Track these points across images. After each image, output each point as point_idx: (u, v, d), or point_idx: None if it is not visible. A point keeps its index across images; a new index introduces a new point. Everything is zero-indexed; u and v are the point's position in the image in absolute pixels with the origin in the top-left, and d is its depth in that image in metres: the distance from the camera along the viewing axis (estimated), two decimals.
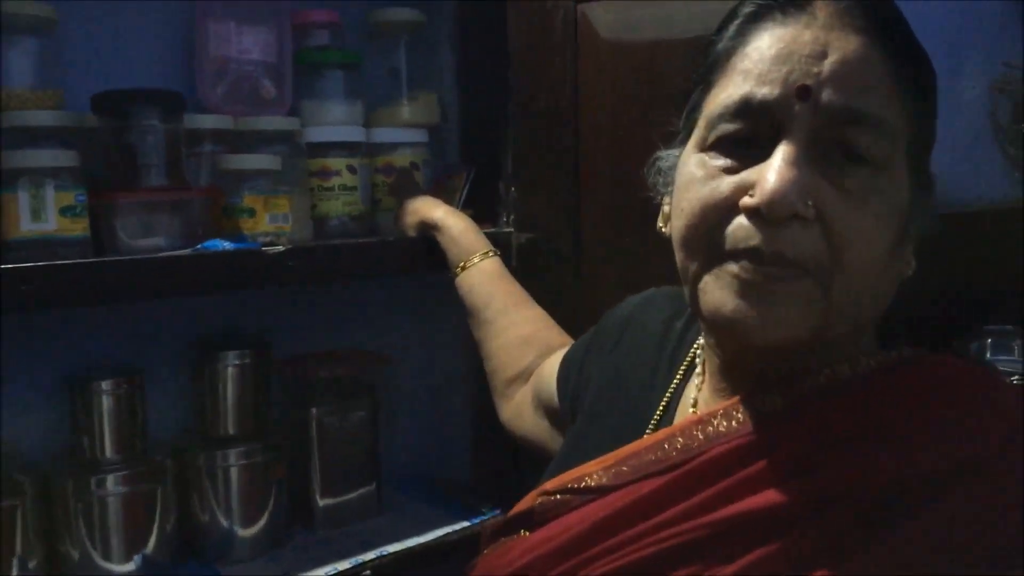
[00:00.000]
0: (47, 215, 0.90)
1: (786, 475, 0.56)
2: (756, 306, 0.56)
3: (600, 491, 0.63)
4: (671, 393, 0.71)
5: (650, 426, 0.70)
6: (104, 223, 0.97)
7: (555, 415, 0.91)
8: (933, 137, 0.62)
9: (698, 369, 0.71)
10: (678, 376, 0.72)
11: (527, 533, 0.67)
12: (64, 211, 0.91)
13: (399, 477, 1.37)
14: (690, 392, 0.71)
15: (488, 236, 1.10)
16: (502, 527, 0.70)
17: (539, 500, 0.67)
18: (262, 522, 1.13)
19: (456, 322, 1.34)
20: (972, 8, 1.25)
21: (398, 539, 1.15)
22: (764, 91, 0.57)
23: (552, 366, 0.93)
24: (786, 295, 0.55)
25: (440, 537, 1.17)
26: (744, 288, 0.56)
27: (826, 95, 0.56)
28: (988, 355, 1.24)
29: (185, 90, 1.06)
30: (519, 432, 1.00)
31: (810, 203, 0.55)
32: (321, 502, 1.20)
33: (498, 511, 1.23)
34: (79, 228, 0.92)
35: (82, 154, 0.95)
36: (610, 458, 0.65)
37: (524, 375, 1.00)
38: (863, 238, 0.56)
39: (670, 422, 0.70)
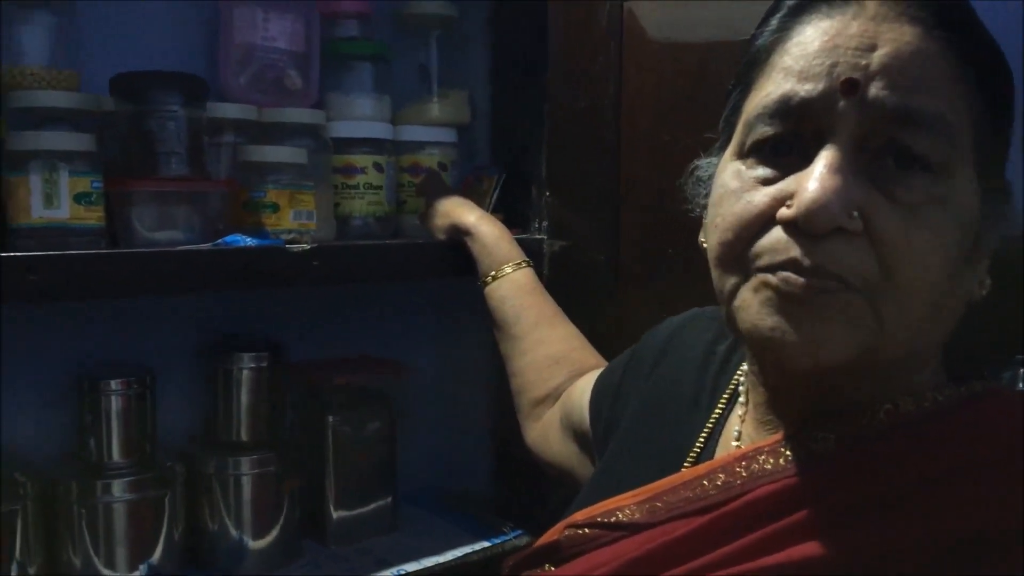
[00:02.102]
0: (60, 201, 0.84)
1: (837, 525, 0.50)
2: (798, 322, 0.50)
3: (631, 528, 0.59)
4: (713, 424, 0.65)
5: (689, 459, 0.64)
6: (119, 212, 0.91)
7: (585, 440, 0.85)
8: (1007, 138, 0.56)
9: (742, 399, 0.65)
10: (720, 405, 0.66)
11: (552, 568, 0.63)
12: (79, 198, 0.85)
13: (415, 491, 1.31)
14: (733, 424, 0.65)
15: (518, 243, 1.05)
16: (526, 560, 0.65)
17: (566, 533, 0.63)
18: (274, 534, 1.07)
19: (478, 331, 1.28)
20: None
21: (415, 557, 1.10)
22: (806, 88, 0.51)
23: (583, 388, 0.87)
24: (830, 310, 0.49)
25: (460, 557, 1.11)
26: (783, 302, 0.50)
27: (875, 91, 0.50)
28: (1021, 385, 1.18)
29: (206, 76, 1.00)
30: (545, 456, 0.94)
31: (855, 214, 0.49)
32: (335, 515, 1.14)
33: (520, 532, 1.18)
34: (94, 217, 0.86)
35: (97, 139, 0.89)
36: (644, 492, 0.60)
37: (553, 396, 0.94)
38: (918, 253, 0.50)
39: (711, 456, 0.65)
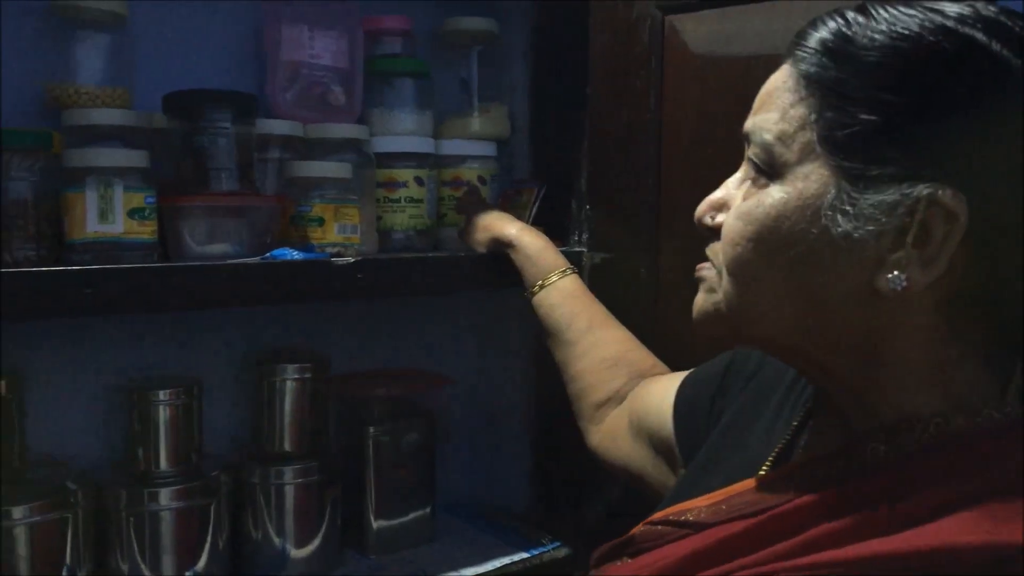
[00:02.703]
0: (115, 216, 0.86)
1: (874, 532, 0.52)
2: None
3: (696, 527, 0.62)
4: (790, 435, 0.67)
5: (764, 467, 0.66)
6: (170, 227, 0.93)
7: (662, 444, 0.86)
8: (880, 123, 0.54)
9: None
10: (800, 417, 0.68)
11: (628, 560, 0.67)
12: (132, 213, 0.87)
13: (454, 502, 1.32)
14: (806, 435, 0.67)
15: None
16: (609, 552, 0.70)
17: (642, 529, 0.67)
18: (316, 543, 1.08)
19: (518, 344, 1.29)
20: None
21: (455, 568, 1.11)
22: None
23: (660, 393, 0.88)
24: (702, 283, 0.64)
25: (499, 568, 1.11)
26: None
27: (746, 125, 0.61)
28: None
29: (253, 94, 1.02)
30: (612, 459, 0.95)
31: (713, 215, 0.64)
32: (375, 525, 1.15)
33: (558, 543, 1.18)
34: (147, 231, 0.88)
35: (150, 156, 0.92)
36: (716, 495, 0.64)
37: (616, 399, 0.95)
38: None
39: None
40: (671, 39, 1.09)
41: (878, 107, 0.53)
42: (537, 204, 1.21)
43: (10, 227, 0.86)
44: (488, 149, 1.24)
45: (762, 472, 0.65)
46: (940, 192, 0.52)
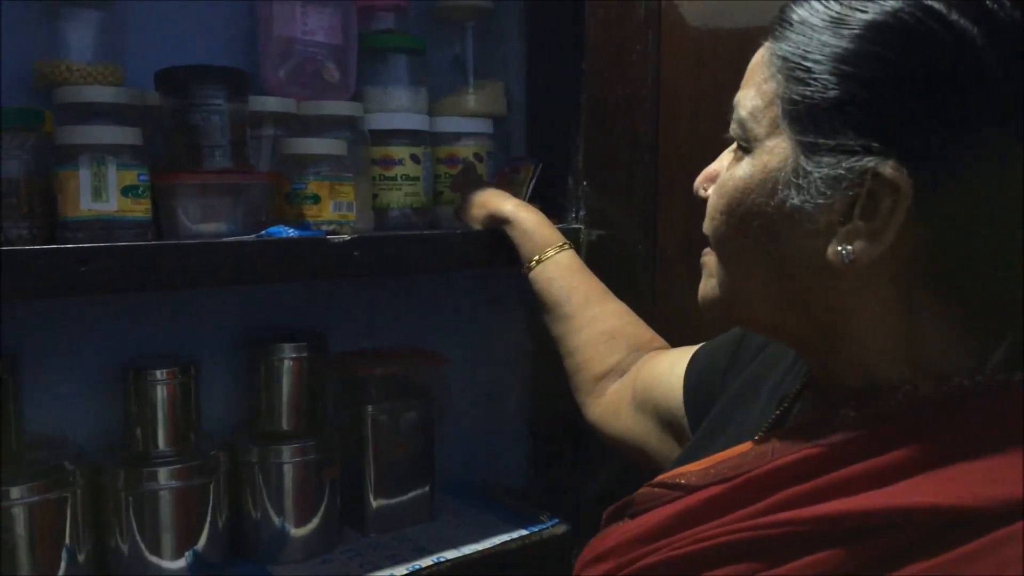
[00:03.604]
0: (108, 194, 0.86)
1: (839, 494, 0.54)
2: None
3: (686, 489, 0.64)
4: (787, 405, 0.68)
5: (758, 435, 0.66)
6: (164, 205, 0.93)
7: (669, 416, 0.87)
8: (833, 97, 0.54)
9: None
10: (796, 389, 0.69)
11: (628, 520, 0.69)
12: (126, 191, 0.87)
13: (452, 480, 1.32)
14: (798, 405, 0.68)
15: None
16: (615, 511, 0.72)
17: (641, 491, 0.70)
18: (315, 522, 1.08)
19: (515, 321, 1.29)
20: None
21: (454, 545, 1.11)
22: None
23: (668, 366, 0.88)
24: (704, 265, 0.65)
25: (498, 545, 1.12)
26: None
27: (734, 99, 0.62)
28: None
29: (246, 70, 1.01)
30: (612, 432, 0.95)
31: (706, 186, 0.65)
32: (374, 504, 1.15)
33: (557, 520, 1.18)
34: (141, 209, 0.88)
35: (143, 133, 0.91)
36: (708, 461, 0.66)
37: (615, 372, 0.96)
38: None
39: None
40: (668, 13, 1.08)
41: (835, 80, 0.54)
42: (534, 181, 1.20)
43: (2, 206, 0.85)
44: (484, 126, 1.23)
45: (755, 440, 0.65)
46: (881, 165, 0.52)
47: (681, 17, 1.08)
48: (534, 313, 1.09)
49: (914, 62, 0.52)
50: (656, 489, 0.68)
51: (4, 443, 0.92)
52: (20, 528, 0.90)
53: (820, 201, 0.55)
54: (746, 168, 0.59)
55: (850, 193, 0.54)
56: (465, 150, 1.22)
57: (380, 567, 1.04)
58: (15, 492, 0.90)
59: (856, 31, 0.53)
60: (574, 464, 1.20)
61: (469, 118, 1.23)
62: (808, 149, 0.55)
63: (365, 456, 1.15)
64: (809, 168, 0.55)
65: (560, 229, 1.06)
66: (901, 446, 0.54)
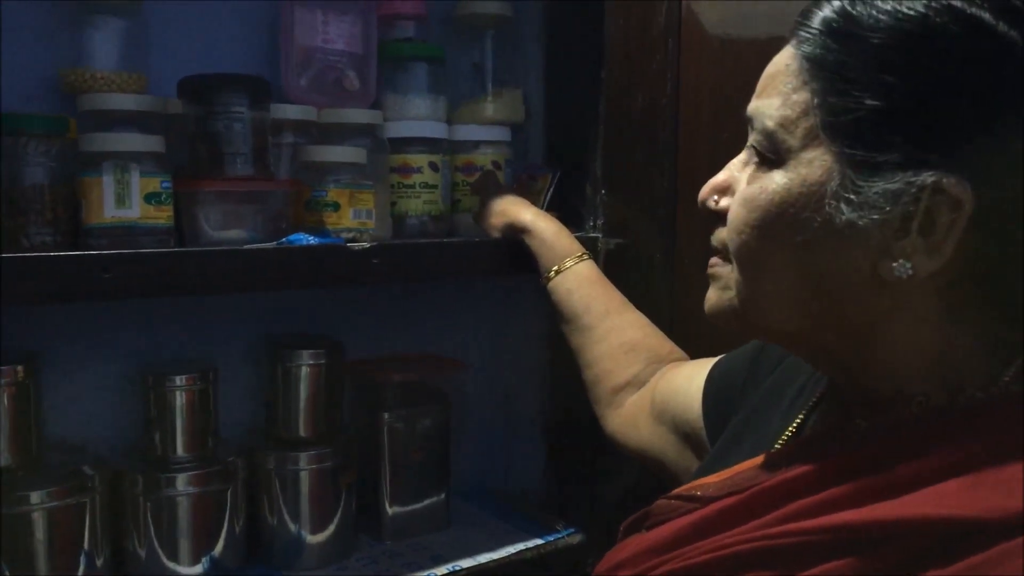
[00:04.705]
0: (131, 201, 0.86)
1: (848, 504, 0.54)
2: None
3: (703, 501, 0.64)
4: (803, 416, 0.68)
5: (776, 447, 0.67)
6: (186, 212, 0.93)
7: (686, 428, 0.86)
8: (878, 111, 0.53)
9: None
10: (813, 400, 0.69)
11: (645, 531, 0.69)
12: (149, 198, 0.87)
13: (469, 488, 1.32)
14: (815, 417, 0.68)
15: None
16: (633, 523, 0.72)
17: (658, 502, 0.70)
18: (331, 529, 1.09)
19: (532, 329, 1.29)
20: None
21: (470, 554, 1.10)
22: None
23: (687, 379, 0.88)
24: (714, 279, 0.64)
25: (514, 554, 1.11)
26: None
27: (749, 108, 0.61)
28: None
29: (267, 78, 1.02)
30: (631, 444, 0.95)
31: (716, 198, 0.63)
32: (390, 511, 1.15)
33: (573, 530, 1.18)
34: (163, 216, 0.88)
35: (165, 140, 0.91)
36: (725, 473, 0.66)
37: (634, 383, 0.96)
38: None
39: None
40: (688, 21, 1.08)
41: (882, 91, 0.53)
42: (552, 190, 1.20)
43: (27, 212, 0.86)
44: (502, 134, 1.23)
45: (772, 451, 0.65)
46: (945, 180, 0.51)
47: (701, 25, 1.08)
48: (551, 320, 1.09)
49: (964, 72, 0.51)
50: (673, 501, 0.68)
51: (24, 447, 0.93)
52: (39, 532, 0.91)
53: (875, 216, 0.53)
54: (782, 181, 0.57)
55: (910, 207, 0.52)
56: (483, 158, 1.22)
57: (395, 575, 1.04)
58: (35, 497, 0.90)
59: (899, 41, 0.52)
60: (590, 472, 1.20)
61: (487, 126, 1.23)
62: (857, 162, 0.53)
63: (381, 463, 1.15)
64: (861, 183, 0.53)
65: (578, 238, 1.06)
66: (914, 457, 0.54)
